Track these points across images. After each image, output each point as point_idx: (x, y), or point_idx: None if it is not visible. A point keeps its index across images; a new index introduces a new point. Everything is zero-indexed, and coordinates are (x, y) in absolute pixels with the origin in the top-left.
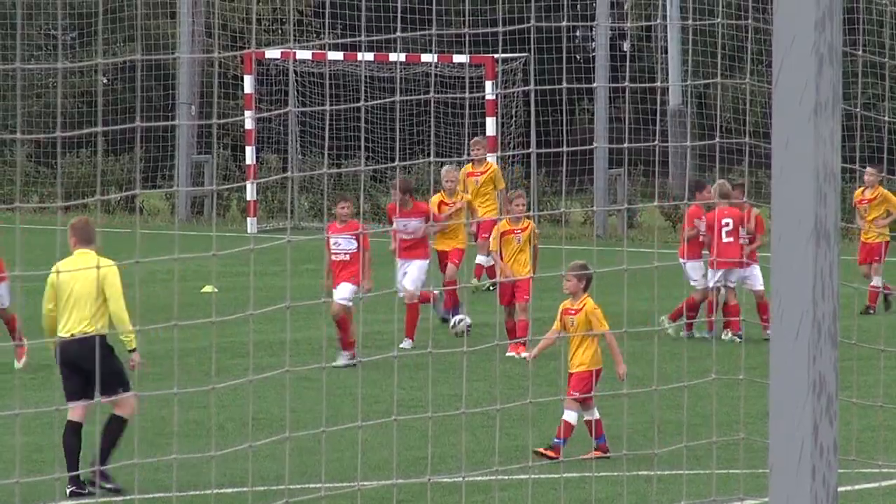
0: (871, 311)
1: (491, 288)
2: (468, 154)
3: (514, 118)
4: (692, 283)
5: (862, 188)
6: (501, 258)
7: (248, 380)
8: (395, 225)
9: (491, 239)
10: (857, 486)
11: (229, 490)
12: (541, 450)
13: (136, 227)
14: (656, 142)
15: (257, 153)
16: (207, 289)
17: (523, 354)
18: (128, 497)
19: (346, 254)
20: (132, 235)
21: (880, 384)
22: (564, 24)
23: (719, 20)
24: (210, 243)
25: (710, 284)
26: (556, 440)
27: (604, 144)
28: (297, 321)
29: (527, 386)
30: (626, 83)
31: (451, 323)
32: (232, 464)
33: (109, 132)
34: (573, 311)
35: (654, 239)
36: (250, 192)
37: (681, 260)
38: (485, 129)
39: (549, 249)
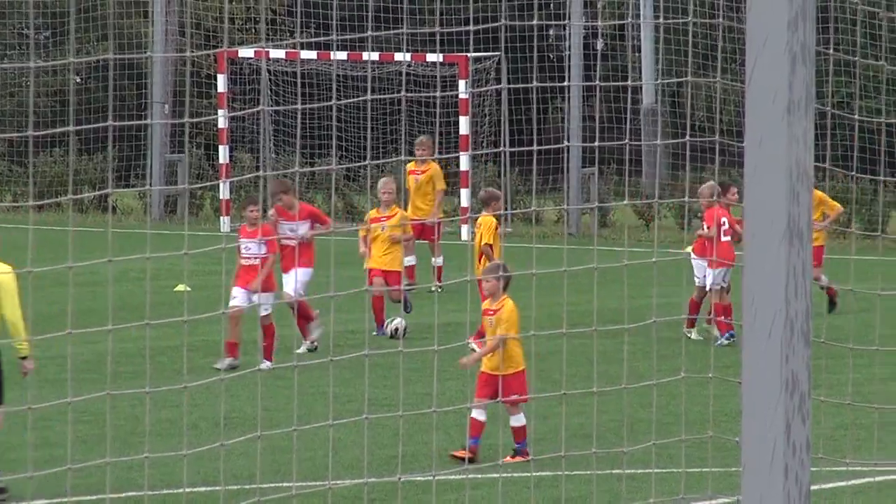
0: (836, 304)
1: (437, 290)
2: (440, 153)
3: (486, 117)
4: (696, 280)
5: None
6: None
7: (219, 378)
8: (280, 231)
9: (483, 232)
10: (828, 485)
11: (202, 489)
12: (457, 452)
13: (109, 226)
14: (625, 140)
15: (231, 152)
16: (181, 287)
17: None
18: (100, 496)
19: (255, 258)
20: (105, 234)
21: (849, 383)
22: (535, 22)
23: (691, 19)
24: (181, 243)
25: (708, 284)
26: (470, 440)
27: (572, 143)
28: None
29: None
30: (597, 82)
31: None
32: (207, 463)
33: (82, 131)
34: (492, 312)
35: (625, 238)
36: (223, 191)
37: (693, 256)
38: (458, 128)
39: (520, 248)
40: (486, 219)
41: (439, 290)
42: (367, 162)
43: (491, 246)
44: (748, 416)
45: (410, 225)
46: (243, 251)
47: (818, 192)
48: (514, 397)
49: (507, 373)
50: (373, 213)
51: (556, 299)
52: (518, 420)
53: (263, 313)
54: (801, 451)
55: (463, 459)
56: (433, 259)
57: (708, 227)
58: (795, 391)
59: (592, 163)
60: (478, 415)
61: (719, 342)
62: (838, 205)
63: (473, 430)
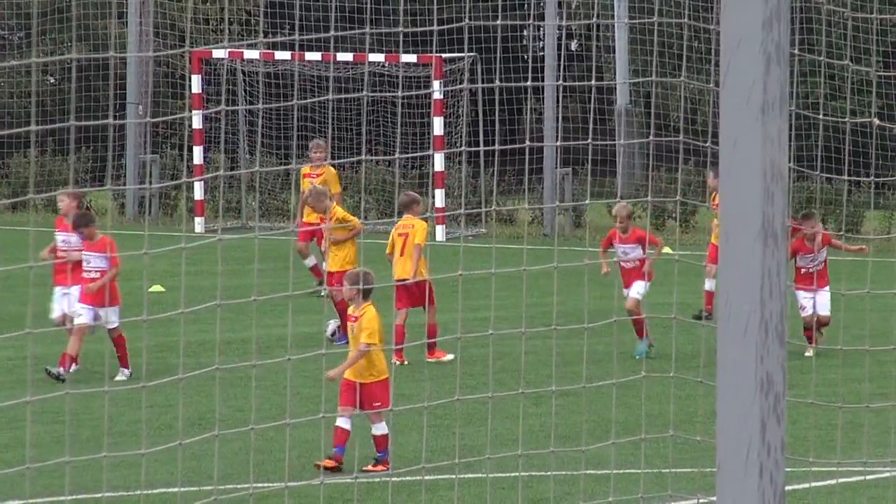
0: (708, 316)
1: (322, 294)
2: (412, 151)
3: (460, 117)
4: (801, 311)
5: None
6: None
7: (178, 377)
8: (57, 241)
9: (418, 232)
10: (800, 486)
11: (161, 490)
12: (321, 462)
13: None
14: (589, 140)
15: (205, 153)
16: (156, 288)
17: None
18: (60, 497)
19: (96, 271)
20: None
21: (811, 384)
22: (499, 23)
23: (664, 19)
24: (157, 243)
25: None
26: (334, 449)
27: (541, 143)
28: (244, 321)
29: (474, 384)
30: (567, 81)
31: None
32: (174, 464)
33: (56, 131)
34: (354, 319)
35: (586, 237)
36: (198, 192)
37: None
38: (431, 129)
39: (495, 249)
40: (419, 221)
41: (322, 294)
42: (331, 161)
43: (421, 247)
44: (723, 416)
45: (353, 222)
46: (84, 265)
47: None
48: (376, 405)
49: (368, 381)
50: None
51: (540, 299)
52: (380, 429)
53: (111, 327)
54: (776, 451)
55: (329, 469)
56: (323, 264)
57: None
58: (770, 391)
59: (567, 163)
60: (343, 423)
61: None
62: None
63: (338, 439)
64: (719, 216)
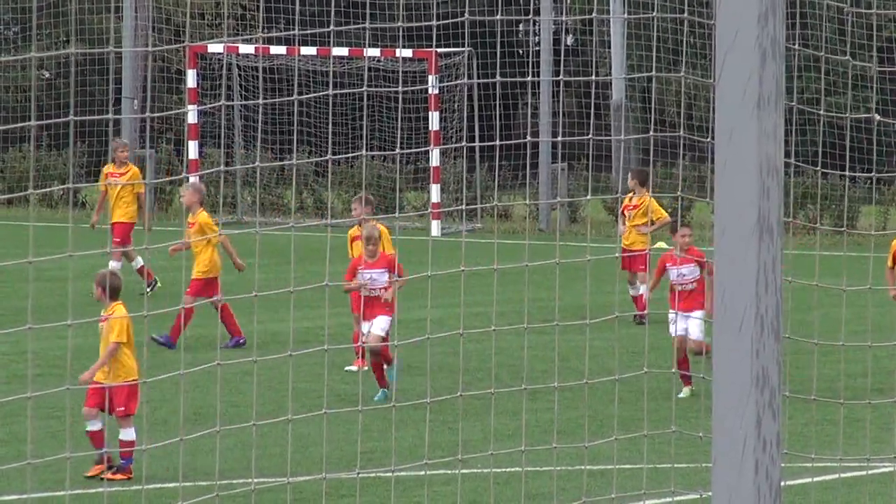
0: (643, 321)
1: (148, 292)
2: (407, 146)
3: (456, 112)
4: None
5: (629, 195)
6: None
7: (179, 373)
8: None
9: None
10: (796, 481)
11: (166, 485)
12: (105, 475)
13: (70, 220)
14: (591, 136)
15: (200, 148)
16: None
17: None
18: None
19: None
20: (74, 229)
21: (814, 378)
22: (499, 17)
23: (658, 14)
24: (152, 238)
25: None
26: (99, 450)
27: (532, 139)
28: (243, 317)
29: (467, 380)
30: (563, 77)
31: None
32: (175, 458)
33: (51, 126)
34: (103, 319)
35: (587, 232)
36: None
37: None
38: (428, 123)
39: (489, 244)
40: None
41: (148, 291)
42: (333, 157)
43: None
44: (719, 412)
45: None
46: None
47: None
48: (120, 409)
49: (116, 381)
50: (108, 169)
51: (535, 294)
52: (127, 434)
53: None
54: (772, 446)
55: (97, 476)
56: (134, 262)
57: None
58: (766, 387)
59: (562, 158)
60: (92, 427)
61: None
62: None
63: (97, 442)
64: (715, 210)
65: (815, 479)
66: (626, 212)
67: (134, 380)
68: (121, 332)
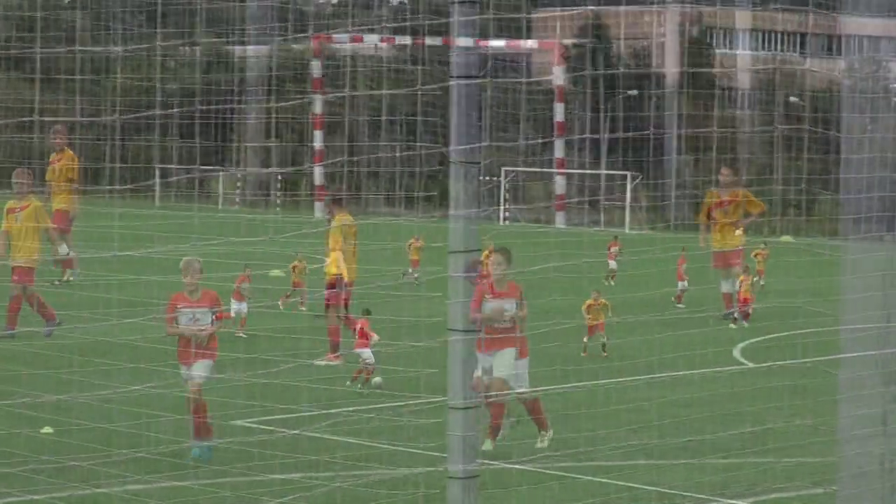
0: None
1: (71, 279)
2: (531, 138)
3: (579, 104)
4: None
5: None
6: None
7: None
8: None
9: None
10: None
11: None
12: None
13: (196, 210)
14: (714, 129)
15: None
16: (275, 273)
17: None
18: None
19: None
20: (196, 220)
21: None
22: (623, 7)
23: (786, 7)
24: (275, 229)
25: None
26: None
27: (656, 132)
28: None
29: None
30: (689, 68)
31: None
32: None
33: (178, 116)
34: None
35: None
36: (317, 177)
37: None
38: (553, 114)
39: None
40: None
41: (71, 279)
42: (443, 148)
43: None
44: (845, 404)
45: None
46: None
47: (741, 192)
48: None
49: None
50: (10, 204)
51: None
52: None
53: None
54: None
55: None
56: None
57: None
58: (892, 380)
59: (687, 151)
60: None
61: None
62: (761, 203)
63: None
64: (842, 204)
65: None
66: (717, 209)
67: None
68: None
